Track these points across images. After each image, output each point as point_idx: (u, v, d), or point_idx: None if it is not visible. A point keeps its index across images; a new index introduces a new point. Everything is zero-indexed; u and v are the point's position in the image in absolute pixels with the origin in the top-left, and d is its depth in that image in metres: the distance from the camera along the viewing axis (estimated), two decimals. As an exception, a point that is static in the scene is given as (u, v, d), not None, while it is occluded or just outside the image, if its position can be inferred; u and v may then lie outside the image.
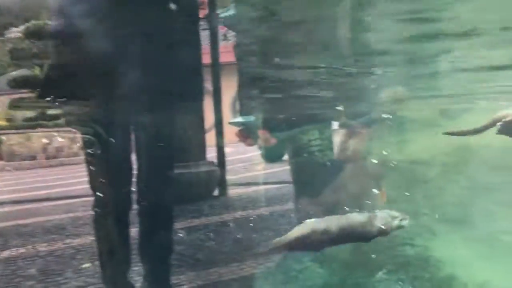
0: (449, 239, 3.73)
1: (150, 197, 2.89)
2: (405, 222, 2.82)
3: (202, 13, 7.72)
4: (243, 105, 3.72)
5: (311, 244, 2.65)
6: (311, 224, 2.61)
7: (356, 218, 2.70)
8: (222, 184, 7.95)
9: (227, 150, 8.45)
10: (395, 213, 2.80)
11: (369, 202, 3.78)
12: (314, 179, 3.69)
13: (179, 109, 3.03)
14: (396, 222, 2.77)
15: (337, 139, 3.93)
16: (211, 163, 8.10)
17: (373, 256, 3.66)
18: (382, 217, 2.75)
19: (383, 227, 2.72)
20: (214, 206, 6.90)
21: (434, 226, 3.84)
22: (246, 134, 3.89)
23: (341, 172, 3.85)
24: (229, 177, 8.43)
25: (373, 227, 2.70)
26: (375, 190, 3.78)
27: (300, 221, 3.75)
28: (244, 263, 4.04)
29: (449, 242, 3.71)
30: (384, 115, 4.23)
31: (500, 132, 3.70)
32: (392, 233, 3.76)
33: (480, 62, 3.41)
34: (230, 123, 4.30)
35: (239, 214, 6.09)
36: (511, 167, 3.86)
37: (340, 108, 3.87)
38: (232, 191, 7.95)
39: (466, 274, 3.43)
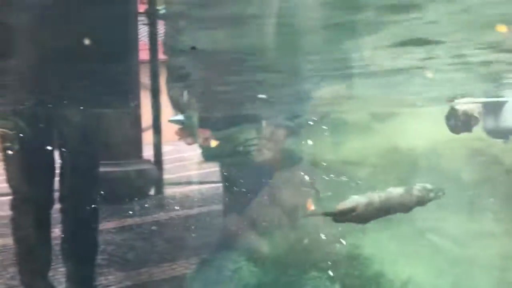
0: (377, 238, 3.85)
1: (73, 195, 2.77)
2: (440, 194, 3.11)
3: (142, 8, 7.53)
4: (172, 103, 3.66)
5: (356, 216, 2.89)
6: (355, 198, 2.85)
7: (395, 191, 2.98)
8: (159, 183, 7.80)
9: (166, 148, 8.30)
10: (430, 186, 3.08)
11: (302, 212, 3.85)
12: (246, 180, 3.69)
13: (108, 105, 2.93)
14: (431, 195, 3.06)
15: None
16: (148, 161, 7.93)
17: (306, 254, 3.72)
18: (419, 190, 3.04)
19: (420, 198, 3.01)
20: (149, 205, 6.75)
21: (364, 225, 3.95)
22: (186, 133, 3.84)
23: (271, 181, 3.88)
24: (167, 176, 8.28)
25: (411, 198, 2.98)
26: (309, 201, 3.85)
27: (228, 224, 3.75)
28: (176, 263, 3.99)
29: (378, 240, 3.83)
30: (318, 117, 4.31)
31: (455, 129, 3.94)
32: (326, 231, 3.86)
33: (411, 67, 3.55)
34: (169, 121, 4.22)
35: (174, 213, 6.00)
36: (436, 168, 4.05)
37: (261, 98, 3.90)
38: (169, 190, 7.81)
39: (393, 271, 3.56)
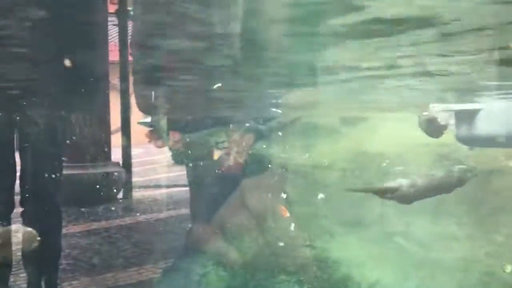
0: (345, 241, 3.89)
1: (35, 198, 2.69)
2: (476, 173, 3.30)
3: (112, 8, 7.41)
4: (140, 105, 3.61)
5: (400, 196, 3.08)
6: (400, 180, 3.06)
7: (437, 173, 3.20)
8: (127, 186, 7.67)
9: (137, 151, 8.18)
10: (468, 167, 3.28)
11: (272, 218, 3.85)
12: (215, 184, 3.67)
13: (74, 107, 2.86)
14: (469, 174, 3.25)
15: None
16: (116, 164, 7.79)
17: (274, 258, 3.72)
18: (459, 171, 3.23)
19: (459, 179, 3.19)
20: (117, 208, 6.64)
21: (332, 228, 3.99)
22: (156, 135, 3.79)
23: (240, 185, 3.87)
24: (136, 179, 8.16)
25: (452, 180, 3.17)
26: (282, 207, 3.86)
27: (196, 228, 3.72)
28: (143, 267, 3.93)
29: (346, 243, 3.87)
30: (288, 121, 4.33)
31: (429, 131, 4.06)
32: (295, 235, 3.87)
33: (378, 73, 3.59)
34: (139, 123, 4.16)
35: (143, 217, 5.92)
36: (404, 172, 4.12)
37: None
38: (138, 194, 7.70)
39: (360, 274, 3.60)
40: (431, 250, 3.67)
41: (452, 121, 4.18)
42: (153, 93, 3.27)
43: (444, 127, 4.17)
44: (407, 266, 3.60)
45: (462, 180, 3.23)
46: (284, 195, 3.93)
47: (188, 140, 3.93)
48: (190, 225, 3.90)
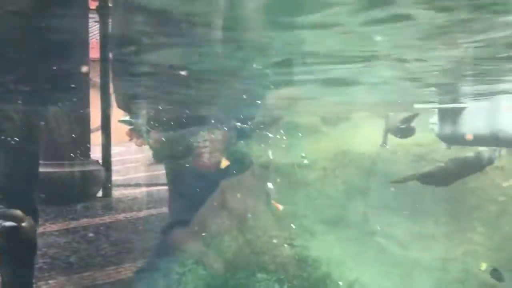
0: (325, 240, 3.92)
1: (9, 196, 2.62)
2: (502, 153, 3.62)
3: (93, 4, 7.30)
4: (118, 103, 3.56)
5: (438, 179, 3.44)
6: (436, 164, 3.45)
7: (468, 155, 3.54)
8: (107, 184, 7.57)
9: (117, 149, 8.08)
10: (494, 148, 3.55)
11: (252, 218, 3.85)
12: (195, 182, 3.64)
13: (52, 103, 2.80)
14: (496, 154, 3.54)
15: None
16: (96, 162, 7.68)
17: (255, 257, 3.72)
18: (488, 151, 3.52)
19: (489, 158, 3.50)
20: (97, 207, 6.55)
21: (312, 227, 4.01)
22: (137, 134, 3.75)
23: (221, 184, 3.86)
24: (116, 177, 8.07)
25: (483, 160, 3.48)
26: (273, 202, 3.87)
27: (172, 225, 3.68)
28: (121, 266, 3.88)
29: (326, 242, 3.89)
30: (270, 120, 4.33)
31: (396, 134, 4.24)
32: (275, 234, 3.89)
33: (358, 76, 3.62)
34: (120, 121, 4.12)
35: (122, 216, 5.85)
36: (383, 172, 4.17)
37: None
38: (118, 192, 7.61)
39: (340, 273, 3.62)
40: (410, 249, 3.73)
41: (433, 120, 4.25)
42: (131, 91, 3.24)
43: (412, 129, 4.28)
44: (386, 265, 3.64)
45: (491, 159, 3.52)
46: (268, 193, 3.94)
47: (168, 139, 3.90)
48: (165, 224, 3.87)
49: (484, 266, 3.26)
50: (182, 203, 3.67)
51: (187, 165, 3.56)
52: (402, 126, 4.15)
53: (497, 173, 3.73)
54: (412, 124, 4.17)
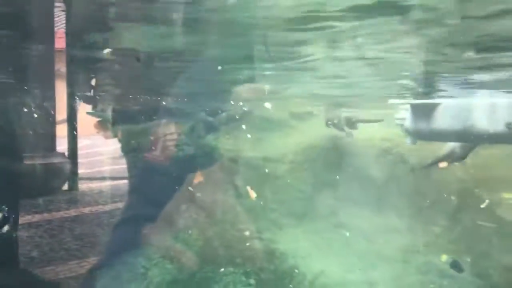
0: (293, 232, 3.95)
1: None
2: None
3: (59, -8, 7.11)
4: (79, 96, 3.48)
5: (456, 156, 3.50)
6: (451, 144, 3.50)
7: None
8: (73, 177, 7.42)
9: (84, 142, 7.92)
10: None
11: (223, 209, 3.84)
12: (164, 175, 3.60)
13: (15, 95, 2.71)
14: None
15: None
16: (62, 155, 7.51)
17: (222, 251, 3.72)
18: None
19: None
20: (62, 200, 6.41)
21: (280, 220, 4.04)
22: (105, 126, 3.69)
23: (189, 177, 3.83)
24: (83, 170, 7.91)
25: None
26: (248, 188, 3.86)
27: (123, 221, 3.62)
28: (85, 260, 3.81)
29: (293, 235, 3.93)
30: (239, 114, 4.33)
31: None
32: (243, 227, 3.89)
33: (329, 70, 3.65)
34: (88, 113, 4.04)
35: (87, 209, 5.75)
36: (350, 166, 4.23)
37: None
38: (84, 186, 7.48)
39: (306, 265, 3.66)
40: (374, 241, 3.80)
41: (399, 116, 4.32)
42: (93, 80, 3.16)
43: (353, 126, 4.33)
44: (350, 257, 3.70)
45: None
46: (237, 187, 3.94)
47: (132, 131, 3.85)
48: (116, 220, 3.80)
49: (444, 257, 3.35)
50: (136, 197, 3.62)
51: (144, 159, 3.52)
52: (340, 122, 4.22)
53: (458, 167, 3.83)
54: (353, 121, 4.20)
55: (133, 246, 3.50)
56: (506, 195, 3.57)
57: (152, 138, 3.51)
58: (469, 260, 3.33)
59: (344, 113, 4.33)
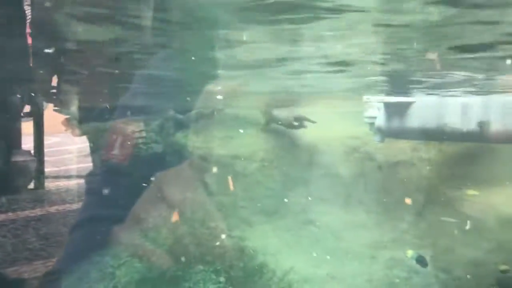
0: (263, 230, 3.97)
1: None
2: None
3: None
4: (37, 91, 3.40)
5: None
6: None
7: None
8: (39, 176, 7.23)
9: (52, 140, 7.71)
10: None
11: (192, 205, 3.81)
12: (132, 173, 3.55)
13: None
14: None
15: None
16: (27, 152, 7.30)
17: (192, 249, 3.70)
18: None
19: None
20: (27, 199, 6.23)
21: (250, 218, 4.05)
22: (73, 124, 3.61)
23: (158, 175, 3.79)
24: (50, 168, 7.71)
25: None
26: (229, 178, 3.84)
27: (79, 224, 3.54)
28: (51, 260, 3.72)
29: (263, 232, 3.94)
30: (210, 111, 4.31)
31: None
32: (213, 225, 3.88)
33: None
34: (55, 110, 3.94)
35: (54, 208, 5.61)
36: (320, 164, 4.28)
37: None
38: (51, 184, 7.28)
39: (275, 262, 3.68)
40: (342, 238, 3.85)
41: (368, 114, 4.38)
42: (54, 77, 3.09)
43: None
44: (319, 254, 3.74)
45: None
46: (207, 184, 3.92)
47: (103, 128, 3.79)
48: (72, 223, 3.73)
49: (410, 253, 3.42)
50: (93, 198, 3.55)
51: (102, 157, 3.45)
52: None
53: (424, 164, 3.92)
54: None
55: (92, 247, 3.42)
56: (469, 192, 3.67)
57: (111, 137, 3.44)
58: (433, 254, 3.42)
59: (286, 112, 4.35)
